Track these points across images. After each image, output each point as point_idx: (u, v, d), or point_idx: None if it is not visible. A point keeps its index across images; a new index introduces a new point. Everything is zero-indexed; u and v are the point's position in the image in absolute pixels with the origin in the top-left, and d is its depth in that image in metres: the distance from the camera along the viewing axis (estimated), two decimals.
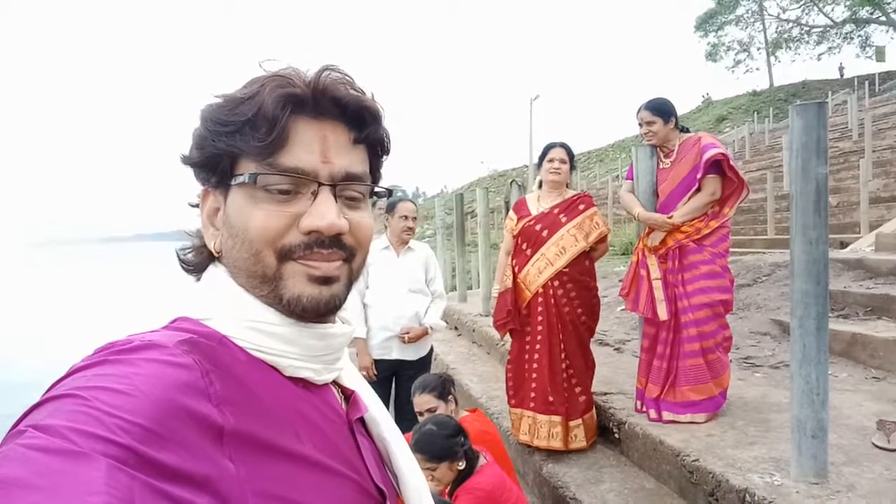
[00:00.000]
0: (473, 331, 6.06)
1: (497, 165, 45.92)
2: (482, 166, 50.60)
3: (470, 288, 8.75)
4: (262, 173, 0.56)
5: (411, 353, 3.44)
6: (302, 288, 0.58)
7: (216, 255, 0.61)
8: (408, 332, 3.36)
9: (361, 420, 0.66)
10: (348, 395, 0.67)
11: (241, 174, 0.57)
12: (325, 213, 0.58)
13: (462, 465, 2.26)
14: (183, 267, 0.64)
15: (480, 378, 4.76)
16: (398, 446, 0.68)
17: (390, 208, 3.52)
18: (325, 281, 0.59)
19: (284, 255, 0.57)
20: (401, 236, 3.48)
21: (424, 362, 3.53)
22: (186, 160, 0.61)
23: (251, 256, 0.57)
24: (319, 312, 0.59)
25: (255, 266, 0.58)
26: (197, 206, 0.64)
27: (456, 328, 6.84)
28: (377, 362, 3.41)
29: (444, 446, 2.24)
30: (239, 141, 0.57)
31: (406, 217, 3.46)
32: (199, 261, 0.63)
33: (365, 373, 3.43)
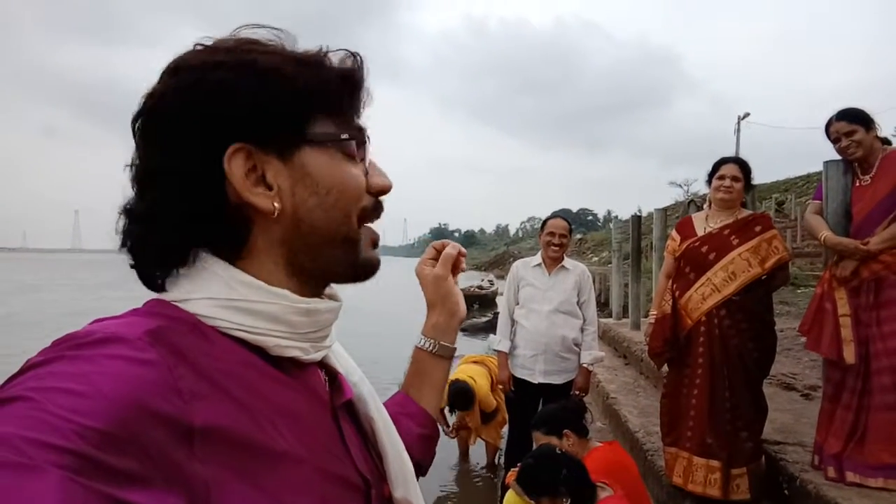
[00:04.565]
0: (641, 360, 5.69)
1: (697, 188, 42.68)
2: (679, 190, 47.50)
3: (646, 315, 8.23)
4: (345, 134, 0.56)
5: (557, 378, 3.35)
6: (367, 252, 0.59)
7: (273, 216, 0.53)
8: (580, 392, 3.34)
9: (346, 401, 0.64)
10: (334, 375, 0.63)
11: (325, 132, 0.55)
12: (385, 173, 0.60)
13: (567, 502, 2.09)
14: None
15: (641, 412, 4.45)
16: (384, 425, 0.65)
17: (542, 225, 3.47)
18: (376, 244, 0.61)
19: (362, 218, 0.58)
20: (548, 253, 3.41)
21: (569, 386, 3.41)
22: (225, 109, 0.50)
23: (343, 216, 0.56)
24: (372, 276, 0.61)
25: (342, 227, 0.56)
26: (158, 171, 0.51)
27: (624, 356, 6.48)
28: (521, 382, 3.38)
29: (541, 481, 2.12)
30: (322, 98, 0.54)
31: (553, 234, 3.37)
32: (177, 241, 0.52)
33: (502, 386, 3.45)
